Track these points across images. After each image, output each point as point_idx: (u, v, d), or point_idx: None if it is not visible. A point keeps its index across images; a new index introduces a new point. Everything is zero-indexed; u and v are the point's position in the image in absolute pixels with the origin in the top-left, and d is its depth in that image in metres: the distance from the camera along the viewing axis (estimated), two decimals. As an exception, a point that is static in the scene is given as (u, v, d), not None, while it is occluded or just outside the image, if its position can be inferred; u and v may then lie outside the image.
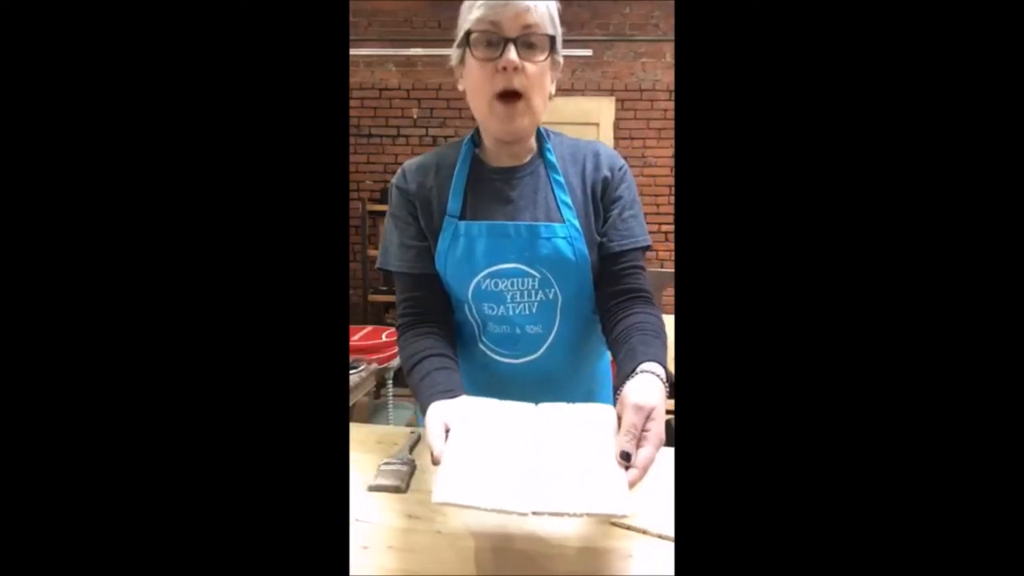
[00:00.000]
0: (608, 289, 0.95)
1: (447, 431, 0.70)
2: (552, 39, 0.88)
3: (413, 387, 0.88)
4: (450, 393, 0.79)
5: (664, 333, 0.88)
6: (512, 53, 0.85)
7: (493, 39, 0.85)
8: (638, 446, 0.66)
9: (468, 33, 0.87)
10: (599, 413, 0.72)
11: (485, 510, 0.60)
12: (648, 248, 0.97)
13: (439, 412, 0.73)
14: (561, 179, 0.96)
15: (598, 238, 0.95)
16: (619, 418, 0.70)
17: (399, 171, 1.00)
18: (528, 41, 0.86)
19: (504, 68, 0.85)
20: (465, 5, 0.90)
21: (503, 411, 0.74)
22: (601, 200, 0.96)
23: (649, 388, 0.71)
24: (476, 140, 1.00)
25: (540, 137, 0.99)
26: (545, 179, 0.96)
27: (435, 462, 0.67)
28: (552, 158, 0.97)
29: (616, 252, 0.94)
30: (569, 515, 0.59)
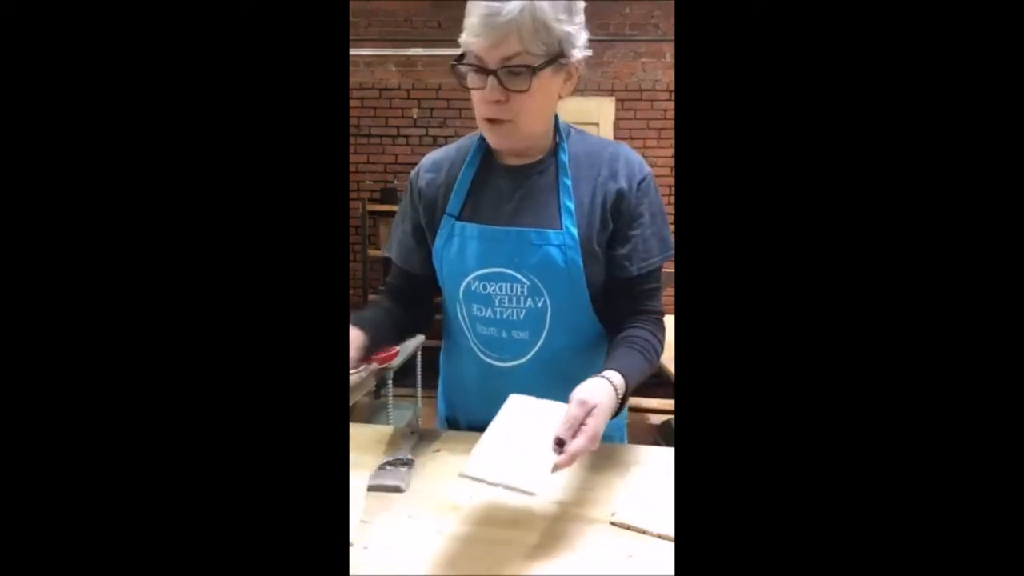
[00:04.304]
0: (622, 310, 0.94)
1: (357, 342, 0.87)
2: (547, 61, 0.82)
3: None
4: (368, 320, 0.93)
5: (653, 349, 0.90)
6: (494, 86, 0.82)
7: (477, 70, 0.84)
8: (573, 436, 0.71)
9: (463, 54, 0.85)
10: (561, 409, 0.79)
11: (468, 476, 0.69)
12: (669, 259, 0.94)
13: (354, 321, 0.89)
14: (569, 183, 0.92)
15: (597, 248, 0.91)
16: None
17: (418, 165, 1.01)
18: (512, 71, 0.82)
19: (488, 100, 0.84)
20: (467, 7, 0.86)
21: (522, 403, 0.80)
22: (613, 214, 0.92)
23: (597, 389, 0.76)
24: None
25: (559, 135, 0.95)
26: (553, 180, 0.93)
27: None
28: (564, 159, 0.93)
29: (634, 276, 0.93)
30: (488, 483, 0.68)
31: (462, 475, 0.68)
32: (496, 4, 0.78)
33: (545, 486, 0.66)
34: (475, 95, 0.87)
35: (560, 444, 0.70)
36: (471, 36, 0.81)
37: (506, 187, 0.94)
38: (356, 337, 0.87)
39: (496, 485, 0.67)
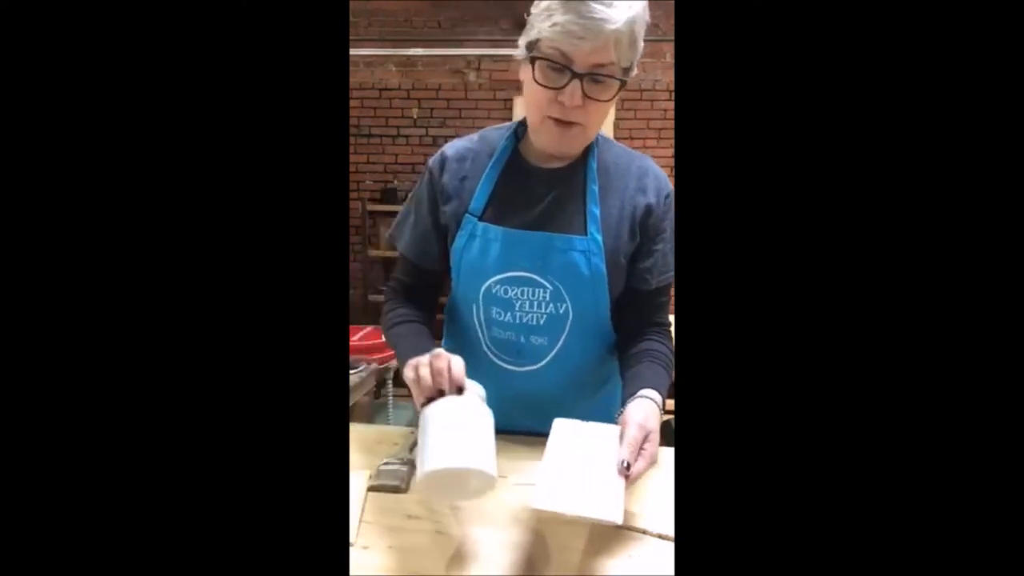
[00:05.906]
0: (637, 319, 0.95)
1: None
2: (626, 70, 0.82)
3: (392, 341, 0.94)
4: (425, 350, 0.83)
5: (671, 363, 0.91)
6: (576, 90, 0.79)
7: (560, 69, 0.79)
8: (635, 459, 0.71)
9: (535, 46, 0.80)
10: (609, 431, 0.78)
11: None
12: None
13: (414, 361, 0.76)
14: (596, 190, 0.91)
15: (622, 260, 0.91)
16: (622, 432, 0.75)
17: (440, 154, 0.96)
18: (597, 78, 0.79)
19: (563, 102, 0.80)
20: (537, 3, 0.81)
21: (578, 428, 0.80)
22: (641, 228, 0.92)
23: (652, 414, 0.77)
24: (520, 132, 0.95)
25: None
26: (580, 186, 0.91)
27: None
28: (594, 165, 0.92)
29: (654, 289, 0.94)
30: (566, 515, 0.66)
31: (534, 507, 0.66)
32: (603, 9, 0.75)
33: (623, 512, 0.66)
34: (542, 92, 0.81)
35: (626, 467, 0.70)
36: (565, 36, 0.76)
37: (534, 189, 0.92)
38: (457, 362, 0.74)
39: (574, 516, 0.66)
